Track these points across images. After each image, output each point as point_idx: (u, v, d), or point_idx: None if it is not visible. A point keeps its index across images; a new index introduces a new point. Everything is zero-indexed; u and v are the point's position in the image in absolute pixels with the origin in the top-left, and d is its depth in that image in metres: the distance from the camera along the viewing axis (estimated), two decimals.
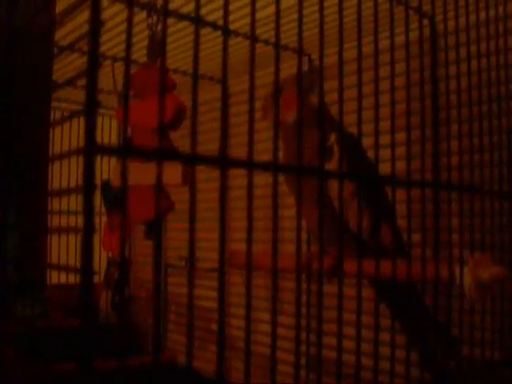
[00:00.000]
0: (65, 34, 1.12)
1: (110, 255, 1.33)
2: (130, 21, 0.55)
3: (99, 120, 1.65)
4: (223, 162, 0.54)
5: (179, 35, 1.11)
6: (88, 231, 0.40)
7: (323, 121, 0.80)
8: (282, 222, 1.01)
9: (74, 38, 0.74)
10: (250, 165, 0.56)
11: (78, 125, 1.63)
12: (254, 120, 0.59)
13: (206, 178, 1.07)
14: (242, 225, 1.27)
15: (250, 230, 0.61)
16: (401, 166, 0.71)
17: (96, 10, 0.42)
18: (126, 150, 0.43)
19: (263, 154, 0.81)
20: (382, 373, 0.68)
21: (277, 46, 0.62)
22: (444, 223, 0.74)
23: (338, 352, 0.66)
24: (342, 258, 0.65)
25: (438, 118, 0.89)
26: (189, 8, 0.99)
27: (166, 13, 0.58)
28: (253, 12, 0.62)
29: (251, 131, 0.57)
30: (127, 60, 0.50)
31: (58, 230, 1.56)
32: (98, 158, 0.43)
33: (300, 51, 0.72)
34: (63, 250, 1.51)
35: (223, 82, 0.61)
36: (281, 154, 0.87)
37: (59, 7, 1.20)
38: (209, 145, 1.18)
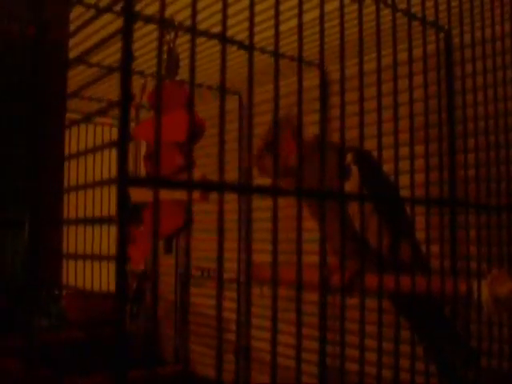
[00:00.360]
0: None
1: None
2: (160, 40, 0.56)
3: (106, 129, 1.67)
4: (246, 190, 0.55)
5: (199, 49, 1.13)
6: (121, 258, 0.41)
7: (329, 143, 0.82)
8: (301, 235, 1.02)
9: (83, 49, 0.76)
10: (275, 191, 0.57)
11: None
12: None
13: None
14: (263, 236, 1.28)
15: (275, 252, 0.62)
16: (419, 178, 0.72)
17: (128, 43, 0.43)
18: (156, 181, 0.45)
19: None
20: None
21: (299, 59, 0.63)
22: (462, 235, 0.74)
23: (360, 363, 0.67)
24: (362, 271, 0.66)
25: (455, 131, 0.89)
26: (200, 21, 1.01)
27: (193, 31, 0.59)
28: (276, 32, 0.63)
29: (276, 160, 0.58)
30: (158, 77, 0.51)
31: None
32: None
33: (321, 65, 0.73)
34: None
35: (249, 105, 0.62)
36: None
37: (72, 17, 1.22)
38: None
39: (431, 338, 0.85)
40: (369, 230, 0.79)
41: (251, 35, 0.61)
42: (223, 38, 0.59)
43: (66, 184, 1.88)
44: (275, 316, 0.60)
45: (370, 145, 0.73)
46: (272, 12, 0.76)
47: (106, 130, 1.64)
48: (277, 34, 0.64)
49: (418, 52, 0.77)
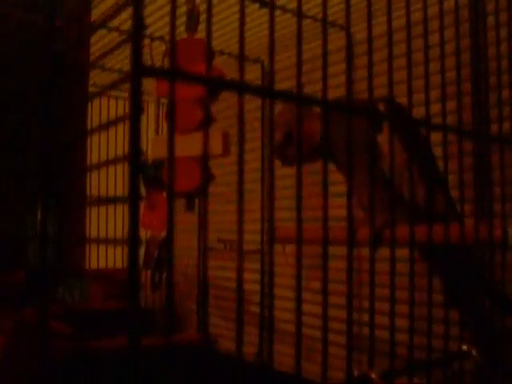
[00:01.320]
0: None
1: (148, 234, 1.34)
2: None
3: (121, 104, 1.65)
4: (270, 92, 0.52)
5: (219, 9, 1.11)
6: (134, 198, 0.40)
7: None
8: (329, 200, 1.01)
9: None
10: (298, 97, 0.54)
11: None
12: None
13: (249, 148, 1.06)
14: (284, 204, 1.26)
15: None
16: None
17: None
18: (172, 72, 0.43)
19: None
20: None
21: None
22: (497, 177, 0.71)
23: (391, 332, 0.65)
24: (392, 222, 0.63)
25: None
26: None
27: None
28: None
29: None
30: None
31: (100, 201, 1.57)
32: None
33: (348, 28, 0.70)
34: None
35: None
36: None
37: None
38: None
39: (466, 290, 0.83)
40: (403, 182, 0.76)
41: None
42: None
43: (88, 162, 1.90)
44: (299, 282, 0.58)
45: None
46: None
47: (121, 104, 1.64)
48: None
49: (434, 9, 0.74)
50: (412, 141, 0.80)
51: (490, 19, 0.80)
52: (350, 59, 1.03)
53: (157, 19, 1.14)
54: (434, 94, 0.69)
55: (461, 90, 0.72)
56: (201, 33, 0.98)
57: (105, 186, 1.64)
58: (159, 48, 1.18)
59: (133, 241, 0.44)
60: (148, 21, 1.14)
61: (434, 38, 0.73)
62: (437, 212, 0.77)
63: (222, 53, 1.30)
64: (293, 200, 0.58)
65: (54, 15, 0.51)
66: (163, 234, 1.25)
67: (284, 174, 1.29)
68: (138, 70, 0.40)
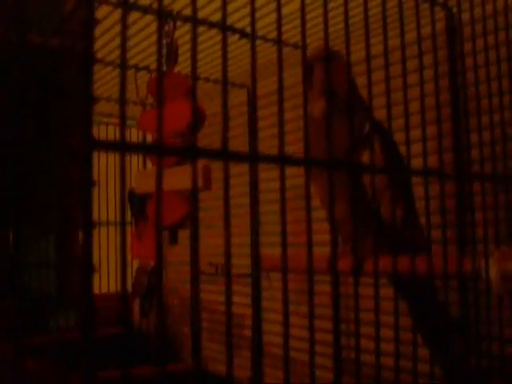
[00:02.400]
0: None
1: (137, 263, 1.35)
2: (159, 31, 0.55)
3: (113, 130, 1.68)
4: (253, 158, 0.52)
5: (201, 40, 1.13)
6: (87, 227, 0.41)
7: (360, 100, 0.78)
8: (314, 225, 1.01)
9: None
10: (282, 159, 0.55)
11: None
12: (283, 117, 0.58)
13: (235, 173, 1.07)
14: (272, 229, 1.27)
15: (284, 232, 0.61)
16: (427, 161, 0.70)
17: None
18: (123, 146, 0.44)
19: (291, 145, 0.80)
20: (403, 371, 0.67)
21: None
22: (467, 218, 0.72)
23: (377, 355, 0.65)
24: (372, 254, 0.64)
25: (459, 111, 0.87)
26: (204, 13, 1.00)
27: (194, 21, 0.58)
28: (279, 20, 0.61)
29: (281, 125, 0.56)
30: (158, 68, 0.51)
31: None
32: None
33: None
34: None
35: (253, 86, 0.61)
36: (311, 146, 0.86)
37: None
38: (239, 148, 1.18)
39: (428, 323, 0.83)
40: (382, 205, 0.77)
41: (253, 23, 0.60)
42: (223, 27, 0.57)
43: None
44: (286, 307, 0.58)
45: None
46: None
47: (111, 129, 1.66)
48: (279, 22, 0.63)
49: (412, 36, 0.76)
50: (395, 161, 0.81)
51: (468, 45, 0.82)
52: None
53: (144, 48, 1.16)
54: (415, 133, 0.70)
55: (441, 131, 0.73)
56: (181, 65, 1.00)
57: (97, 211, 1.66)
58: (144, 77, 1.19)
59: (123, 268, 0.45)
60: (134, 51, 1.16)
61: (413, 64, 0.75)
62: (412, 237, 0.78)
63: (207, 80, 1.32)
64: (278, 225, 0.58)
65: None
66: (152, 262, 1.26)
67: (269, 199, 1.31)
68: (89, 145, 0.41)
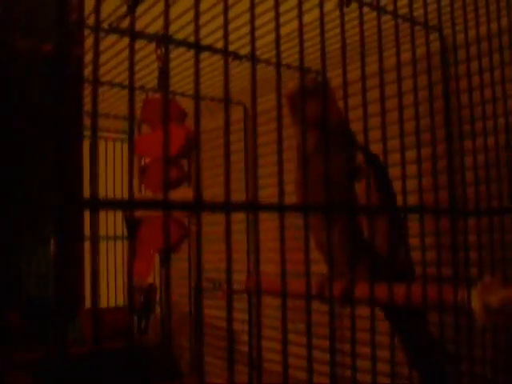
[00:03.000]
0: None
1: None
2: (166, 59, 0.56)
3: (111, 144, 1.70)
4: (227, 207, 0.53)
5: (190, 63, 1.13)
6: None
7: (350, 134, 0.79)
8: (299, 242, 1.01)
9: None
10: (281, 208, 0.55)
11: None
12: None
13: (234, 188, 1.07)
14: (270, 245, 1.27)
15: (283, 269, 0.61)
16: (413, 184, 0.70)
17: None
18: (130, 204, 0.44)
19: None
20: None
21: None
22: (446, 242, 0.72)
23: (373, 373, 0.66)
24: (354, 284, 0.65)
25: (451, 133, 0.87)
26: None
27: (167, 41, 0.59)
28: (277, 43, 0.62)
29: (280, 173, 0.57)
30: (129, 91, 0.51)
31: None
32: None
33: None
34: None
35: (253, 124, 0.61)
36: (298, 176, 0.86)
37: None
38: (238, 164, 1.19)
39: (413, 346, 0.84)
40: (377, 234, 0.77)
41: (253, 48, 0.60)
42: (225, 52, 0.58)
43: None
44: (285, 328, 0.59)
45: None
46: (268, 17, 0.76)
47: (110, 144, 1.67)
48: (278, 45, 0.63)
49: (407, 56, 0.76)
50: (384, 189, 0.81)
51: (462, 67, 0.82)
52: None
53: (143, 67, 1.16)
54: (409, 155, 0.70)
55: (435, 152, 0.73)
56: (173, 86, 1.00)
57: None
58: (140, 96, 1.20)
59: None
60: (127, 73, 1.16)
61: (408, 84, 0.75)
62: (399, 266, 0.78)
63: (204, 98, 1.32)
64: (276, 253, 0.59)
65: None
66: (148, 280, 1.27)
67: (268, 228, 1.31)
68: (68, 203, 0.41)
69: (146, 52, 1.00)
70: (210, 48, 0.89)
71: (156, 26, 0.88)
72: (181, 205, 0.51)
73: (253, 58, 0.59)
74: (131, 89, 0.51)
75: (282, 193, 0.56)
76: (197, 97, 0.54)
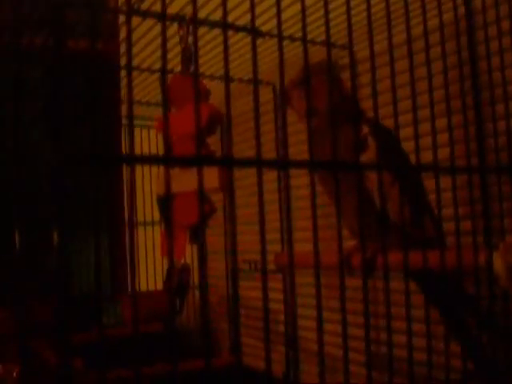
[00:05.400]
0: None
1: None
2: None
3: (138, 131, 1.73)
4: (258, 163, 0.53)
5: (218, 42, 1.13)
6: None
7: (357, 109, 0.79)
8: (330, 220, 1.00)
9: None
10: (286, 164, 0.55)
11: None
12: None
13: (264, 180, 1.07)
14: (302, 224, 1.26)
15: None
16: (443, 152, 0.69)
17: None
18: (165, 159, 0.45)
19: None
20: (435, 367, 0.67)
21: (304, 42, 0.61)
22: (478, 209, 0.70)
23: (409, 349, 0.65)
24: (383, 250, 0.64)
25: (480, 99, 0.85)
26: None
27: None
28: (303, 20, 0.61)
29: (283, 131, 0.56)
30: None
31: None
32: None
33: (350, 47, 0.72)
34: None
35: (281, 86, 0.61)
36: (314, 149, 0.86)
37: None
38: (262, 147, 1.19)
39: (454, 315, 0.82)
40: (390, 202, 0.76)
41: (279, 25, 0.60)
42: (253, 30, 0.58)
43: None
44: (319, 304, 0.59)
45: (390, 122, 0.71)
46: None
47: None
48: (303, 20, 0.63)
49: (434, 23, 0.74)
50: (397, 162, 0.80)
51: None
52: (353, 77, 1.03)
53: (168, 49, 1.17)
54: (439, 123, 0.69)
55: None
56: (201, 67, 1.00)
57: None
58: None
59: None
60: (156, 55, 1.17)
61: (435, 52, 0.73)
62: (424, 235, 0.77)
63: (232, 79, 1.31)
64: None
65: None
66: (182, 261, 1.28)
67: (297, 196, 1.30)
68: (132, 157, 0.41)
69: (170, 33, 1.00)
70: (238, 27, 0.88)
71: (175, 7, 0.88)
72: (213, 160, 0.52)
73: (280, 35, 0.59)
74: (163, 71, 0.51)
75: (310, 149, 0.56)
76: (226, 74, 0.53)
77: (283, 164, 0.54)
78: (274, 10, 0.93)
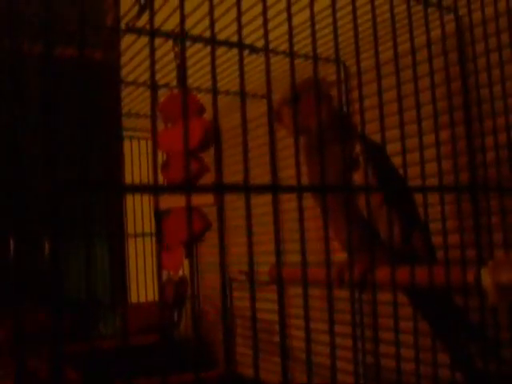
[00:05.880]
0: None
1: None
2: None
3: (135, 143, 1.74)
4: (247, 189, 0.55)
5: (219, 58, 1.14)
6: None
7: (347, 126, 0.80)
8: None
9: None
10: (275, 188, 0.57)
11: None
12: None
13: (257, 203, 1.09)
14: (296, 237, 1.27)
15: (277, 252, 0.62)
16: (431, 168, 0.70)
17: None
18: (154, 188, 0.46)
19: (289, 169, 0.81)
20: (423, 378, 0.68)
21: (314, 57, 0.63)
22: (468, 224, 0.72)
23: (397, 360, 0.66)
24: (373, 267, 0.65)
25: (470, 114, 0.86)
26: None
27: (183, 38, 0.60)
28: (290, 34, 0.63)
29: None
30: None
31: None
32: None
33: (337, 59, 0.73)
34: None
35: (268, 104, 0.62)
36: (303, 169, 0.87)
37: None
38: (256, 160, 1.21)
39: (444, 328, 0.83)
40: (379, 221, 0.77)
41: (266, 39, 0.62)
42: (240, 45, 0.60)
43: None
44: (307, 316, 0.61)
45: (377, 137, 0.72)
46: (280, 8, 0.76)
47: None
48: (290, 36, 0.65)
49: (422, 40, 0.76)
50: (387, 179, 0.81)
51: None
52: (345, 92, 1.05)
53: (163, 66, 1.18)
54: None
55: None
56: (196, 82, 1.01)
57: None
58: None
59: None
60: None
61: (424, 68, 0.75)
62: (414, 251, 0.78)
63: (227, 93, 1.33)
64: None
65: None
66: (179, 274, 1.29)
67: (290, 218, 1.31)
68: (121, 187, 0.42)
69: (166, 50, 1.02)
70: (226, 42, 0.90)
71: (170, 24, 0.90)
72: (203, 187, 0.53)
73: (266, 49, 0.60)
74: (153, 86, 0.53)
75: (299, 174, 0.57)
76: (214, 90, 0.55)
77: (273, 188, 0.55)
78: (269, 25, 0.95)
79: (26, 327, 0.47)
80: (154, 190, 0.48)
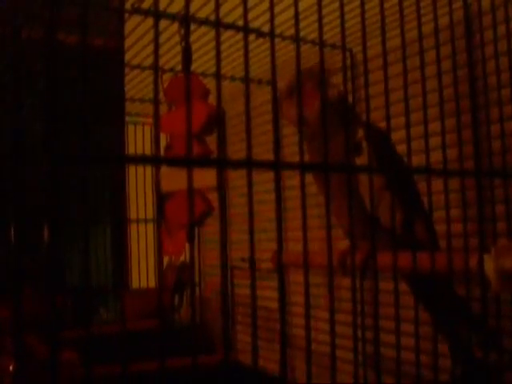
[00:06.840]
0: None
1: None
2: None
3: (133, 128, 1.74)
4: (249, 164, 0.54)
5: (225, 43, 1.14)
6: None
7: (349, 113, 0.80)
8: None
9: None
10: (278, 165, 0.56)
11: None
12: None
13: (259, 180, 1.08)
14: (297, 224, 1.27)
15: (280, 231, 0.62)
16: (436, 156, 0.69)
17: None
18: (154, 159, 0.46)
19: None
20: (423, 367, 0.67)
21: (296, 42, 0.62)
22: (472, 213, 0.71)
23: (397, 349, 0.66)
24: (374, 252, 0.65)
25: (477, 102, 0.85)
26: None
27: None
28: (296, 17, 0.63)
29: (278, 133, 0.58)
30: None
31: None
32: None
33: (344, 47, 0.73)
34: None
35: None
36: (310, 156, 0.86)
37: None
38: (261, 147, 1.21)
39: (445, 317, 0.82)
40: (381, 206, 0.77)
41: (272, 23, 0.61)
42: (245, 29, 0.59)
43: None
44: (308, 302, 0.61)
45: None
46: None
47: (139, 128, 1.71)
48: (296, 20, 0.64)
49: (428, 28, 0.75)
50: (390, 164, 0.81)
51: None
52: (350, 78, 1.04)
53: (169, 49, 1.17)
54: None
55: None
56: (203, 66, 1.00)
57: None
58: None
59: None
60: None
61: (431, 55, 0.74)
62: (416, 238, 0.77)
63: (233, 78, 1.32)
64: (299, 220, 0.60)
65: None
66: (181, 258, 1.29)
67: (292, 196, 1.31)
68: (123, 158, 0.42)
69: (171, 33, 1.01)
70: (231, 26, 0.89)
71: (176, 7, 0.89)
72: (203, 161, 0.53)
73: (272, 34, 0.60)
74: (156, 68, 0.52)
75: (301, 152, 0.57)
76: (218, 73, 0.55)
77: (275, 165, 0.55)
78: (276, 9, 0.94)
79: (26, 310, 0.47)
80: (154, 161, 0.48)
